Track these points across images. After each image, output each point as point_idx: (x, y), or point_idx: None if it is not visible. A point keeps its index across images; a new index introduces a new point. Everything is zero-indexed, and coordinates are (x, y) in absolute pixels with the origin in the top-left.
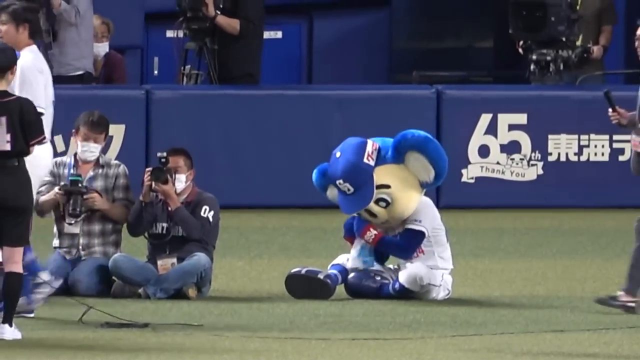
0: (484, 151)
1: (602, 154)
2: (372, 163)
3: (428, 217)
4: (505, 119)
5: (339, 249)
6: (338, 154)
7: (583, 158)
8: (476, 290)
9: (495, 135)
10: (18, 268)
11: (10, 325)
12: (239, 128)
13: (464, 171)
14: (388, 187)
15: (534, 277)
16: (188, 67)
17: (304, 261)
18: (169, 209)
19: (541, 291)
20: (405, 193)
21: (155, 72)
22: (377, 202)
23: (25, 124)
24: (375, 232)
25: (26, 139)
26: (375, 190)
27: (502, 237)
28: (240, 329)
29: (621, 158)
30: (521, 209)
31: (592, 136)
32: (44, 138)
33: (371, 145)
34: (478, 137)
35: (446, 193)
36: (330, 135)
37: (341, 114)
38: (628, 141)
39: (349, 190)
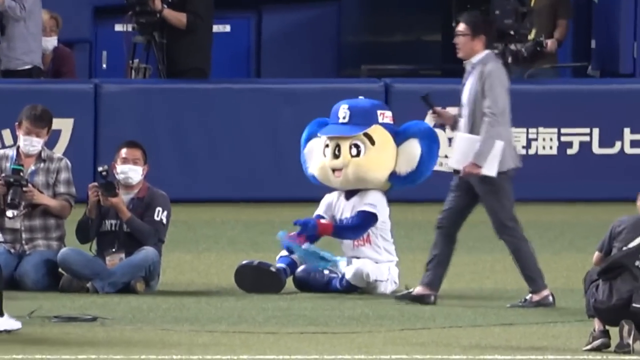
0: None
1: (550, 148)
2: (380, 119)
3: (382, 207)
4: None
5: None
6: (361, 97)
7: (531, 152)
8: None
9: (444, 129)
10: None
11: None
12: (188, 122)
13: None
14: (372, 142)
15: (482, 270)
16: (137, 60)
17: (253, 255)
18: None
19: (489, 285)
20: (378, 160)
21: (104, 65)
22: (351, 146)
23: None
24: (323, 224)
25: None
26: (361, 134)
27: None
28: (188, 323)
29: (569, 152)
30: None
31: (540, 130)
32: None
33: (391, 114)
34: None
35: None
36: (278, 129)
37: (290, 108)
38: (577, 134)
39: (344, 117)
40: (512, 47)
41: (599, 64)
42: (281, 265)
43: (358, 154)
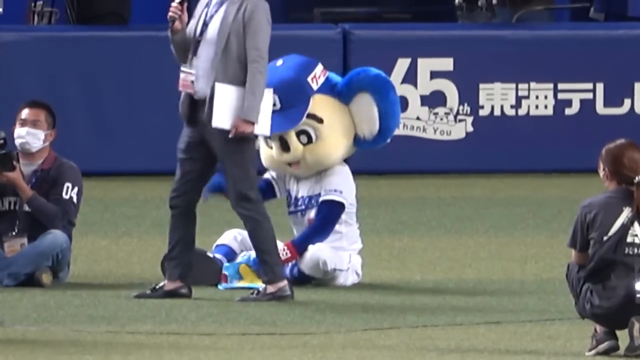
0: (401, 104)
1: (545, 107)
2: (314, 87)
3: (349, 189)
4: (426, 65)
5: (225, 224)
6: (280, 62)
7: (522, 112)
8: (392, 274)
9: (415, 85)
10: None
11: None
12: (103, 78)
13: None
14: (320, 120)
15: (462, 257)
16: (40, 3)
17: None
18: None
19: (472, 274)
20: (335, 138)
21: (0, 9)
22: (298, 134)
23: None
24: (285, 249)
25: None
26: (304, 118)
27: (424, 209)
28: (105, 323)
29: (568, 111)
30: (447, 175)
31: (533, 85)
32: None
33: (321, 68)
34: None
35: (356, 154)
36: None
37: None
38: (576, 91)
39: (274, 104)
40: None
41: (603, 6)
42: (218, 255)
43: (310, 140)
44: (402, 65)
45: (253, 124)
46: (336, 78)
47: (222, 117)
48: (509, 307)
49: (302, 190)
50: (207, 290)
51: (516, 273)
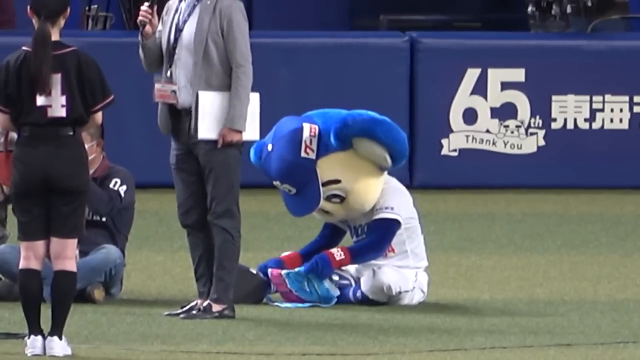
0: (470, 116)
1: (620, 121)
2: (312, 156)
3: (400, 202)
4: (497, 76)
5: (285, 240)
6: (270, 147)
7: (596, 125)
8: (460, 293)
9: (485, 96)
10: (72, 265)
11: (60, 338)
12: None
13: (444, 142)
14: (338, 181)
15: (533, 276)
16: (94, 7)
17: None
18: None
19: (542, 294)
20: (361, 183)
21: None
22: (328, 198)
23: (86, 83)
24: (340, 251)
25: (86, 102)
26: (322, 188)
27: (493, 225)
28: (159, 341)
29: None
30: (517, 190)
31: (608, 97)
32: (112, 100)
33: (308, 131)
34: (463, 98)
35: (422, 169)
36: (275, 94)
37: (288, 68)
38: None
39: (290, 191)
40: None
41: None
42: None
43: (342, 198)
44: (471, 75)
45: (240, 132)
46: (330, 118)
47: (208, 127)
48: (580, 328)
49: (359, 220)
50: (265, 309)
51: (589, 293)
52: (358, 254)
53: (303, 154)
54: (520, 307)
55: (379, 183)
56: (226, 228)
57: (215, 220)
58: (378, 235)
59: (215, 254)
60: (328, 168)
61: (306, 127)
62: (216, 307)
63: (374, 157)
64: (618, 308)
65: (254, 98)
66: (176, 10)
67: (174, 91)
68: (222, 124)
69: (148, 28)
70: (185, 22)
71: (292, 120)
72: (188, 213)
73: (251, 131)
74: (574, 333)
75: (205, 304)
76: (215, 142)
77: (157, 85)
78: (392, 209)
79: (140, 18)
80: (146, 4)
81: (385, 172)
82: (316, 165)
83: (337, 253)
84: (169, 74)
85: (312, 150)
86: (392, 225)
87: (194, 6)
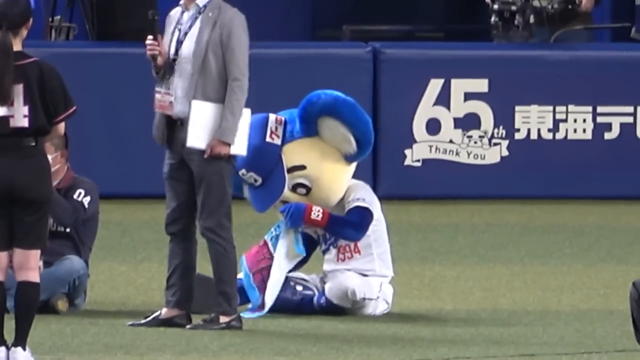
0: (433, 126)
1: (584, 131)
2: (277, 141)
3: (371, 199)
4: (460, 86)
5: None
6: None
7: (559, 136)
8: (423, 304)
9: (448, 107)
10: (35, 276)
11: (24, 349)
12: (123, 97)
13: (407, 152)
14: (303, 167)
15: (496, 286)
16: (57, 18)
17: (206, 266)
18: None
19: (506, 304)
20: (327, 171)
21: None
22: (294, 189)
23: (48, 93)
24: (320, 211)
25: (49, 113)
26: (287, 175)
27: (457, 235)
28: (123, 352)
29: (607, 136)
30: (481, 200)
31: (571, 108)
32: (74, 111)
33: (274, 119)
34: (426, 109)
35: (385, 179)
36: None
37: (251, 79)
38: (617, 114)
39: (256, 181)
40: (536, 3)
41: None
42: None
43: (308, 188)
44: (434, 86)
45: (229, 145)
46: (293, 114)
47: (198, 136)
48: (544, 338)
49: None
50: None
51: (552, 303)
52: (336, 224)
53: (268, 139)
54: (483, 318)
55: (344, 174)
56: (218, 241)
57: (208, 233)
58: (356, 218)
59: (212, 267)
60: (293, 153)
61: (272, 116)
62: (224, 319)
63: (339, 138)
64: (581, 318)
65: (246, 113)
66: (178, 21)
67: (172, 102)
68: (212, 135)
69: (160, 60)
70: (186, 33)
71: (257, 115)
72: (175, 222)
73: (239, 145)
74: (538, 343)
75: (212, 315)
76: (204, 152)
77: (157, 96)
78: (364, 199)
79: (148, 53)
80: (150, 37)
81: (352, 167)
82: (281, 152)
83: (315, 210)
84: (168, 84)
85: (278, 137)
86: (367, 214)
87: (196, 18)
